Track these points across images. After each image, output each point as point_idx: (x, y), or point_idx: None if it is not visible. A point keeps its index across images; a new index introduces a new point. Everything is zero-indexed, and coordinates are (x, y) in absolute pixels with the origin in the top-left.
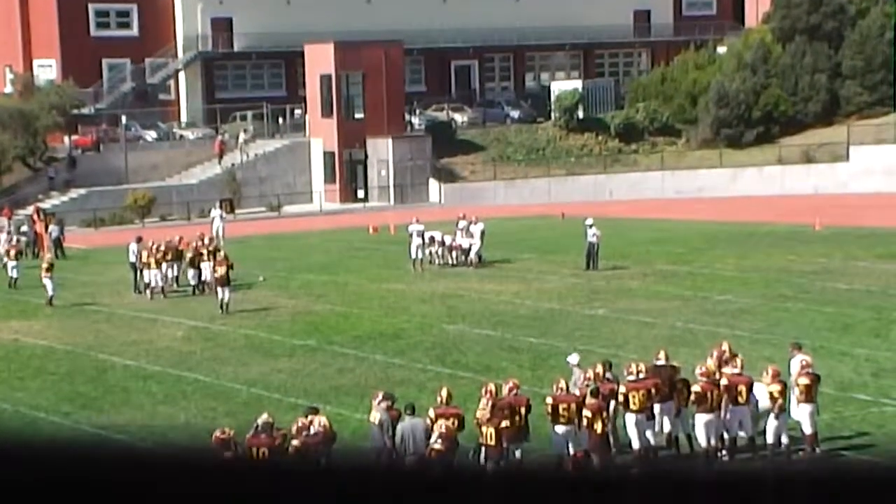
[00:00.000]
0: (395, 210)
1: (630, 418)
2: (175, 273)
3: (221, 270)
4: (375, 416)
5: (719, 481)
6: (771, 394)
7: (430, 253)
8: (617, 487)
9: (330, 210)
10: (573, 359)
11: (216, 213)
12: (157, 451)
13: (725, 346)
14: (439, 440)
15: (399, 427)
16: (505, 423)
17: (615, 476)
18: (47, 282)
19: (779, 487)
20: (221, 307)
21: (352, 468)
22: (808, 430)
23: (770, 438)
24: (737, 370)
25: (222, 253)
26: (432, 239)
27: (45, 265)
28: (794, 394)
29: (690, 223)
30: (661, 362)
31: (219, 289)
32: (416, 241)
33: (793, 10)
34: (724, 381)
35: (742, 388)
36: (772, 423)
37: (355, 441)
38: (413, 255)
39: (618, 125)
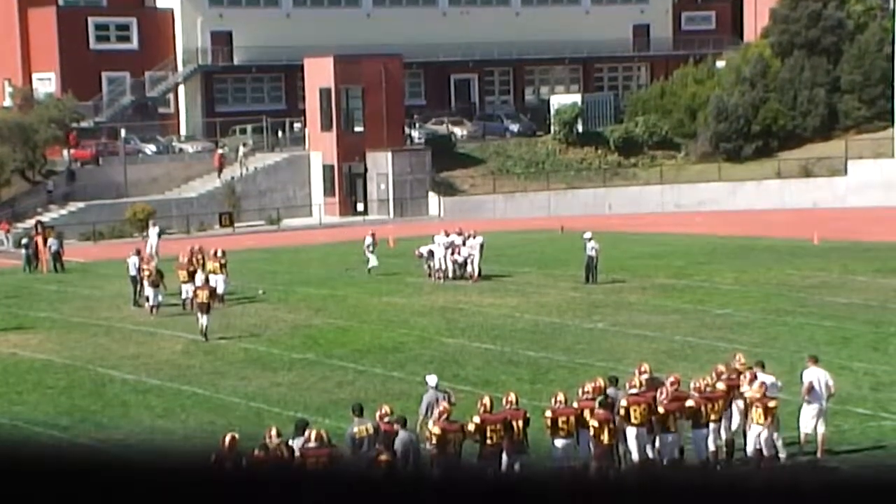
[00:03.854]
0: (395, 223)
1: (631, 431)
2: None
3: (203, 296)
4: (365, 427)
5: (712, 484)
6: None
7: (429, 266)
8: (614, 491)
9: (329, 223)
10: (431, 380)
11: (153, 230)
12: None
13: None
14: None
15: (398, 440)
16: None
17: (611, 481)
18: None
19: (766, 491)
20: (201, 333)
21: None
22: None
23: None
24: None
25: (203, 276)
26: (431, 253)
27: None
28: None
29: (689, 237)
30: (646, 376)
31: (198, 314)
32: (439, 252)
33: (791, 24)
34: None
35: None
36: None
37: None
38: (439, 266)
39: (617, 139)
